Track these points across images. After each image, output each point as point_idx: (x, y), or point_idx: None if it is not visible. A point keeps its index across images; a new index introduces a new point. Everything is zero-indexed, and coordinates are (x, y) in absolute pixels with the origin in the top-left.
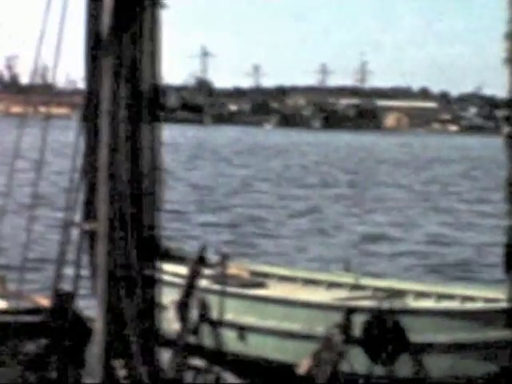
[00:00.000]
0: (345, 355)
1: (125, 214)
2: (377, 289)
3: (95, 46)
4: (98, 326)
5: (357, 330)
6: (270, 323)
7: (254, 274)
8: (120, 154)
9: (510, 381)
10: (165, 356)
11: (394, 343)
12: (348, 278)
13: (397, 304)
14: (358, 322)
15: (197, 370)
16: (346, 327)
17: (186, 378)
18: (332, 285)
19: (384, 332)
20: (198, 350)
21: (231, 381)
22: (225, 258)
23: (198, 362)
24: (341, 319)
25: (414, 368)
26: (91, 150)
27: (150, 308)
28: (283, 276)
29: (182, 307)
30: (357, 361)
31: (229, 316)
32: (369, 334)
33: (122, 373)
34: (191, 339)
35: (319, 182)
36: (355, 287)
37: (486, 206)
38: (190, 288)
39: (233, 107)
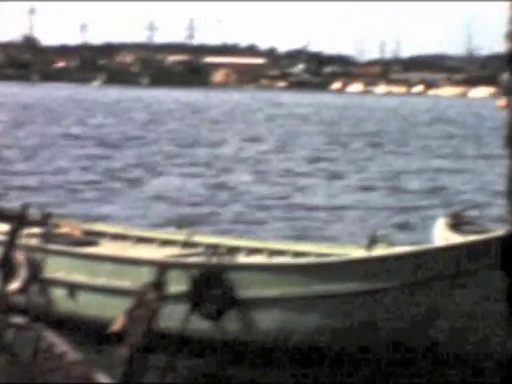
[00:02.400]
0: (159, 312)
1: None
2: (209, 246)
3: None
4: None
5: (184, 287)
6: (99, 281)
7: (87, 232)
8: None
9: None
10: None
11: (222, 299)
12: (181, 236)
13: (224, 260)
14: (185, 279)
15: (17, 327)
16: (159, 284)
17: (5, 335)
18: (165, 242)
19: (211, 288)
20: (27, 309)
21: (52, 338)
22: (47, 217)
23: (18, 319)
24: (155, 275)
25: (243, 323)
26: None
27: None
28: (117, 234)
29: (4, 265)
30: (184, 317)
31: (59, 274)
32: (195, 290)
33: None
34: (20, 298)
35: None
36: (188, 245)
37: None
38: (10, 246)
39: (60, 64)
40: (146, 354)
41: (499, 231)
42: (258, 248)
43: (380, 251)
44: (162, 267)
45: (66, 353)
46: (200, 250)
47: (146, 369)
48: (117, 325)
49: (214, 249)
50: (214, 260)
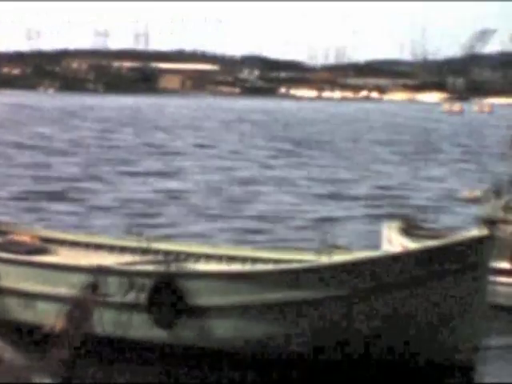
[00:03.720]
0: (93, 315)
1: None
2: (167, 252)
3: None
4: None
5: (138, 295)
6: (48, 289)
7: (44, 239)
8: None
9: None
10: None
11: (175, 307)
12: (139, 243)
13: (179, 267)
14: (140, 286)
15: None
16: (94, 288)
17: None
18: (124, 249)
19: (165, 295)
20: None
21: None
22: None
23: None
24: (91, 280)
25: (196, 330)
26: None
27: None
28: (76, 242)
29: None
30: (140, 325)
31: (13, 283)
32: (150, 297)
33: None
34: None
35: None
36: (145, 251)
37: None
38: None
39: (14, 71)
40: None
41: (457, 235)
42: (216, 254)
43: (335, 258)
44: (98, 272)
45: (8, 357)
46: (156, 257)
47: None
48: (54, 327)
49: (171, 256)
50: (168, 267)
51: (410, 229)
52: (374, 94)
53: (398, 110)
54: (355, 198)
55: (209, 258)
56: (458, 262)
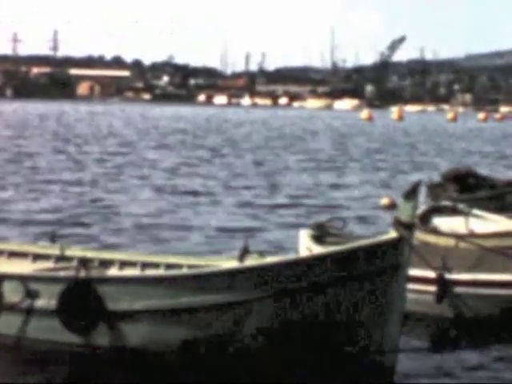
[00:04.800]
0: None
1: None
2: (82, 259)
3: None
4: None
5: (52, 301)
6: None
7: None
8: None
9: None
10: None
11: (90, 312)
12: (54, 250)
13: (94, 273)
14: (55, 292)
15: None
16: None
17: None
18: (38, 257)
19: (79, 301)
20: None
21: None
22: None
23: None
24: None
25: (113, 336)
26: None
27: None
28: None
29: None
30: (54, 331)
31: None
32: (64, 303)
33: None
34: None
35: None
36: (61, 258)
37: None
38: None
39: None
40: None
41: (371, 238)
42: (131, 261)
43: (250, 262)
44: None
45: None
46: (70, 263)
47: None
48: None
49: (85, 262)
50: (82, 273)
51: (323, 236)
52: (286, 101)
53: (310, 117)
54: (272, 207)
55: (123, 264)
56: (371, 266)
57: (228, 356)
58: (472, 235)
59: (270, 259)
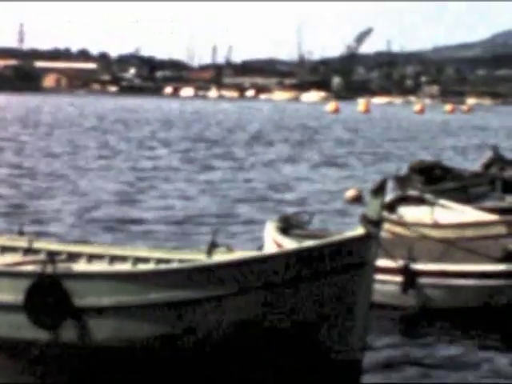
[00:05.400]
0: None
1: None
2: (50, 252)
3: None
4: None
5: (20, 296)
6: None
7: None
8: None
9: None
10: None
11: (57, 308)
12: (22, 242)
13: (62, 267)
14: (21, 288)
15: None
16: None
17: None
18: (5, 249)
19: (46, 297)
20: None
21: None
22: None
23: None
24: None
25: (80, 332)
26: None
27: None
28: None
29: None
30: (22, 326)
31: None
32: (30, 299)
33: None
34: None
35: None
36: (29, 251)
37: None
38: None
39: None
40: None
41: (339, 234)
42: (99, 254)
43: (218, 257)
44: None
45: None
46: (41, 256)
47: None
48: None
49: (54, 255)
50: (50, 268)
51: (290, 228)
52: (253, 93)
53: (277, 109)
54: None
55: (91, 257)
56: (339, 262)
57: (195, 352)
58: (437, 225)
59: (238, 255)
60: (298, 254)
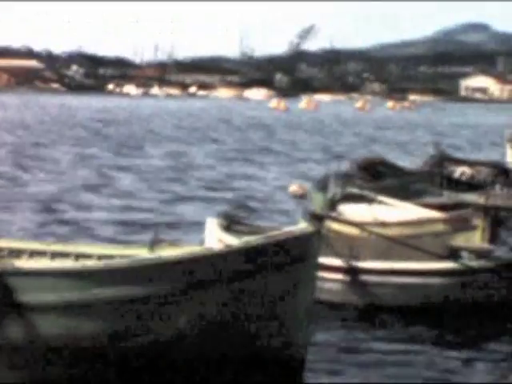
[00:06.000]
0: None
1: None
2: None
3: None
4: None
5: None
6: None
7: None
8: None
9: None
10: None
11: (1, 304)
12: None
13: (3, 264)
14: None
15: None
16: None
17: None
18: None
19: None
20: None
21: None
22: None
23: None
24: None
25: (23, 328)
26: None
27: None
28: None
29: None
30: None
31: None
32: None
33: None
34: None
35: None
36: None
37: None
38: None
39: None
40: None
41: (283, 231)
42: (41, 250)
43: (162, 253)
44: None
45: None
46: None
47: None
48: None
49: None
50: None
51: (231, 225)
52: (201, 92)
53: (224, 107)
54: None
55: (32, 253)
56: (284, 258)
57: (143, 350)
58: (379, 223)
59: (182, 251)
60: (243, 251)
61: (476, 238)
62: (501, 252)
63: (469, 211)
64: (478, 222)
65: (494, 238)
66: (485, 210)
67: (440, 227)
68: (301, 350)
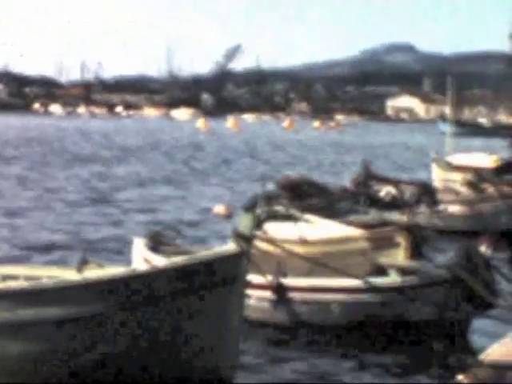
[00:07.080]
0: None
1: None
2: None
3: None
4: None
5: None
6: None
7: None
8: None
9: None
10: None
11: None
12: None
13: None
14: None
15: None
16: None
17: None
18: None
19: None
20: None
21: None
22: None
23: None
24: None
25: None
26: None
27: None
28: None
29: None
30: None
31: None
32: None
33: None
34: None
35: None
36: None
37: None
38: None
39: None
40: None
41: (210, 251)
42: None
43: (90, 273)
44: None
45: None
46: None
47: None
48: None
49: None
50: None
51: (158, 245)
52: (124, 111)
53: (150, 127)
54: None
55: None
56: (211, 279)
57: (69, 371)
58: (303, 242)
59: (110, 271)
60: (172, 270)
61: (399, 256)
62: (425, 269)
63: (392, 229)
64: (401, 239)
65: (417, 256)
66: (407, 228)
67: (363, 245)
68: (230, 371)
